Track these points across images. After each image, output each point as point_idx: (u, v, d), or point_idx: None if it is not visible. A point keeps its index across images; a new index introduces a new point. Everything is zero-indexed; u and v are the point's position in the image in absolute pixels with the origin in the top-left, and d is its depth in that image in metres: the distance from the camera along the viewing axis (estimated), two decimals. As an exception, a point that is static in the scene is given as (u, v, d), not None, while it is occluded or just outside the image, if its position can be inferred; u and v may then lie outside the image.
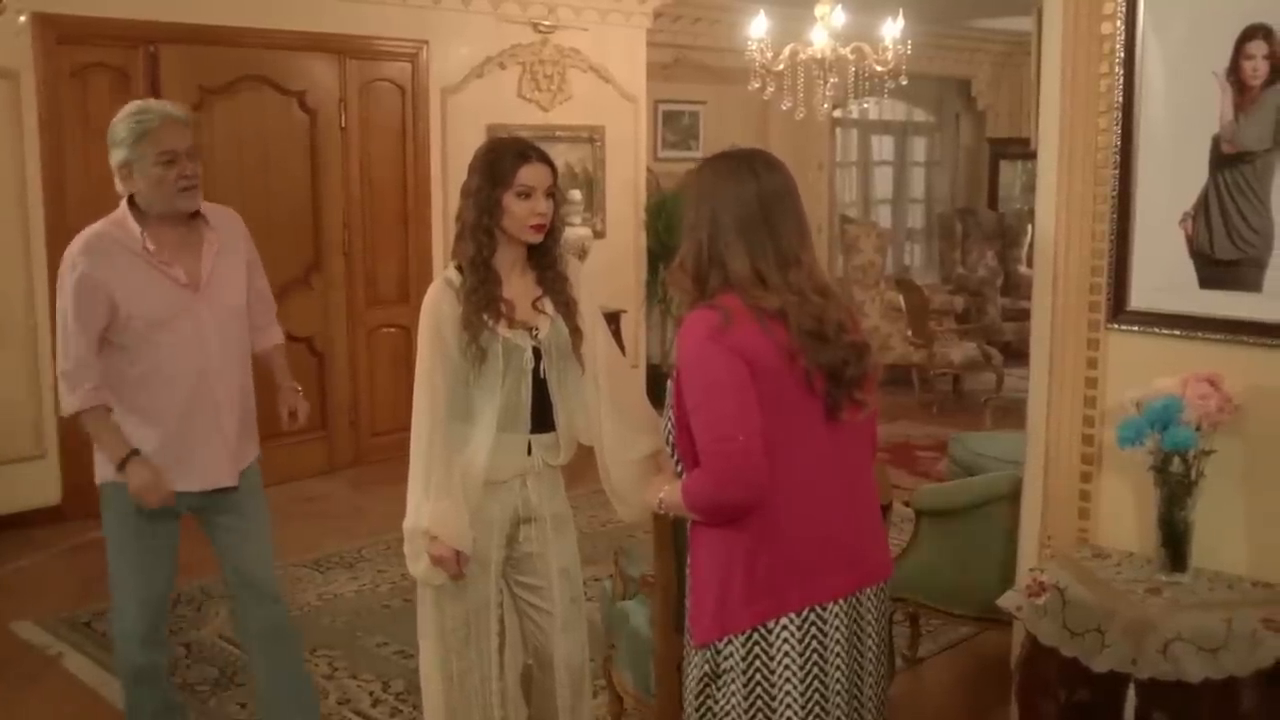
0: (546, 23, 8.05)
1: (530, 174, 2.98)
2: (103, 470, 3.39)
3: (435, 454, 3.01)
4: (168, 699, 3.61)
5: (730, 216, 2.45)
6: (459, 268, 3.05)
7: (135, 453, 3.26)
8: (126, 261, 3.26)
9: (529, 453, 3.11)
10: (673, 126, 10.13)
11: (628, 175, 8.76)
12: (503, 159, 2.99)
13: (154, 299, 3.28)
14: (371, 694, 4.34)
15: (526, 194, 2.97)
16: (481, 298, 3.00)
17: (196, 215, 3.38)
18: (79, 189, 6.24)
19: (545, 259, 3.10)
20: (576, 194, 8.19)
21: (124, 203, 3.31)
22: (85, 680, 4.48)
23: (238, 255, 3.49)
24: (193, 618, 4.98)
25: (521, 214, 2.98)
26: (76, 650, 4.72)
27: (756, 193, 2.46)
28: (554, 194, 3.03)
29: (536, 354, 3.06)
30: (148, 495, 3.24)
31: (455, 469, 3.02)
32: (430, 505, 2.99)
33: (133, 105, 3.32)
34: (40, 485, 6.32)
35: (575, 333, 3.10)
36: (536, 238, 3.03)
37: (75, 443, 5.87)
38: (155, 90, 6.46)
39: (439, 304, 3.04)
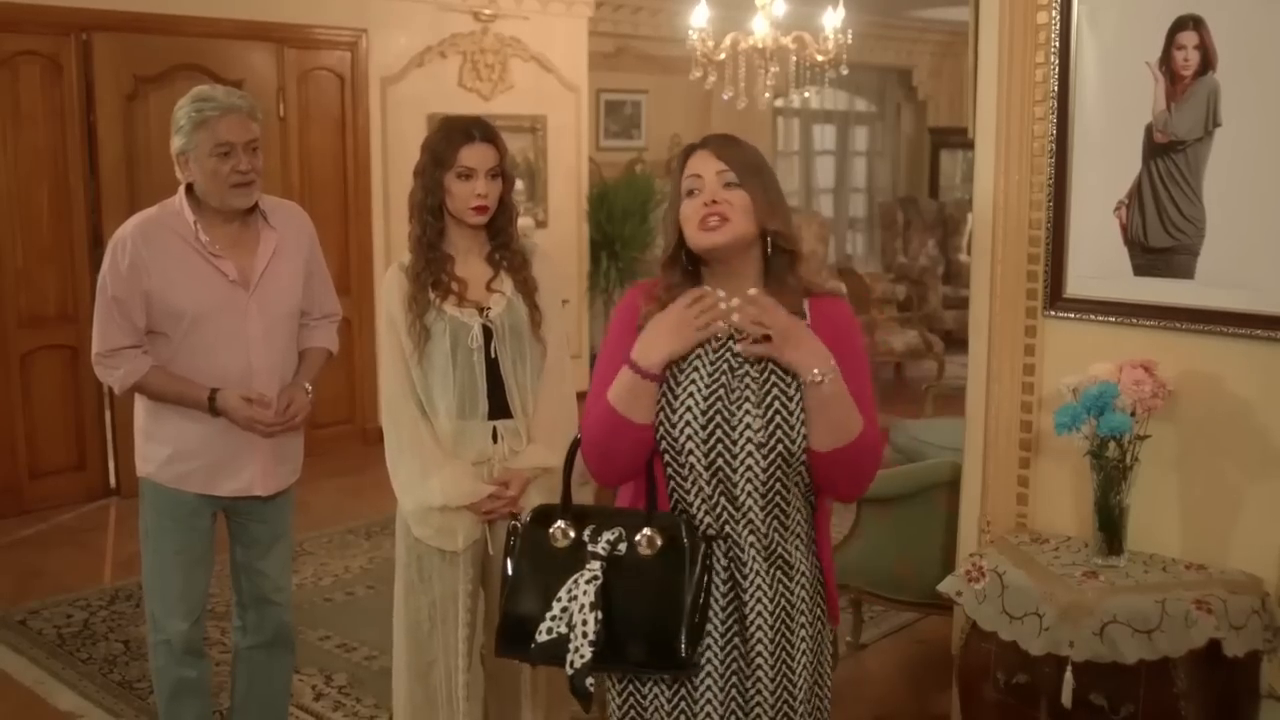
0: (487, 12, 7.99)
1: (471, 154, 2.92)
2: (143, 464, 3.26)
3: (422, 434, 2.96)
4: (209, 712, 3.48)
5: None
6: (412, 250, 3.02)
7: (215, 391, 3.14)
8: (177, 249, 3.13)
9: (495, 440, 3.02)
10: (615, 116, 10.12)
11: (570, 165, 8.73)
12: (447, 139, 2.95)
13: (199, 291, 3.13)
14: (314, 688, 4.30)
15: (467, 175, 2.93)
16: (428, 277, 2.96)
17: (254, 211, 3.22)
18: (6, 180, 6.13)
19: (501, 238, 3.04)
20: (519, 184, 8.15)
21: (181, 190, 3.17)
22: (21, 680, 4.40)
23: (297, 257, 3.31)
24: (131, 614, 4.91)
25: (462, 195, 2.93)
26: (12, 650, 4.63)
27: None
28: (502, 174, 2.97)
29: (487, 333, 2.99)
30: (253, 426, 3.17)
31: (438, 441, 2.98)
32: (437, 480, 2.94)
33: (196, 91, 3.16)
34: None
35: (534, 309, 3.04)
36: (478, 219, 2.97)
37: (3, 439, 5.76)
38: (88, 79, 6.36)
39: (393, 290, 3.00)
